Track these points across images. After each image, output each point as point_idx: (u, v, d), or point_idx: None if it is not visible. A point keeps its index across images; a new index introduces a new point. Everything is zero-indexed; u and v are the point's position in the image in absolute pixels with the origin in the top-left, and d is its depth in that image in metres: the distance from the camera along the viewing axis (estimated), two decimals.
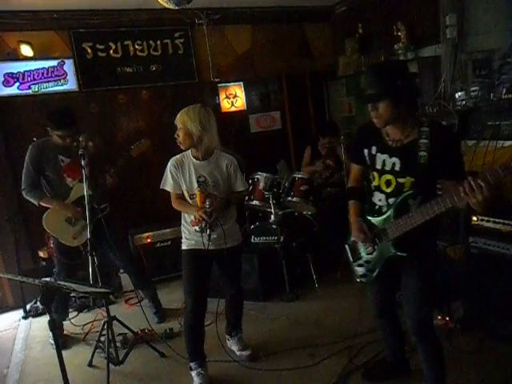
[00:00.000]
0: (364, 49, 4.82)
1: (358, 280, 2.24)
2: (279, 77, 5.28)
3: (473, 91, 3.56)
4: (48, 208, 3.12)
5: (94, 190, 3.13)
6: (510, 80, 3.26)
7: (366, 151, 2.05)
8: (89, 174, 3.13)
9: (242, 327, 2.91)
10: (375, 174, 2.01)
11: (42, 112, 4.20)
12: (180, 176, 2.51)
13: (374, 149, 2.01)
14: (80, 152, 2.79)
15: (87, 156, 3.00)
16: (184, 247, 2.59)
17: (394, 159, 1.92)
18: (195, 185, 2.48)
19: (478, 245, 2.76)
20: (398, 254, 1.97)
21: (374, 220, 2.05)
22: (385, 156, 1.96)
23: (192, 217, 2.52)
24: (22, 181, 3.12)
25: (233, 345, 2.89)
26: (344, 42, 5.06)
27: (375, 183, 2.03)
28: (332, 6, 5.28)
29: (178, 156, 2.56)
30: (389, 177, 1.95)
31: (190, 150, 2.53)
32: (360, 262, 2.18)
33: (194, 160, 2.51)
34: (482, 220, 2.76)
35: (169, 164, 2.55)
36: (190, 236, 2.56)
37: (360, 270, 2.19)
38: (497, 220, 2.70)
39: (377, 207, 2.04)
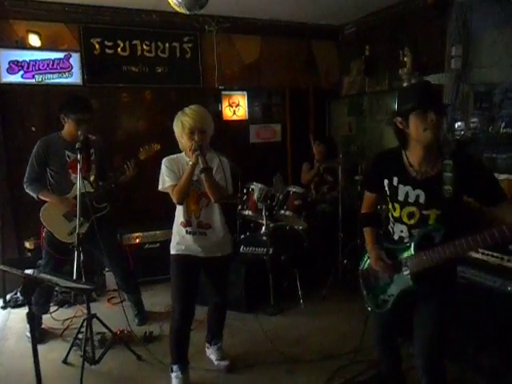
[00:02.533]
0: (369, 71, 4.88)
1: (370, 309, 2.16)
2: (283, 90, 5.31)
3: (472, 122, 3.60)
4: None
5: (96, 188, 3.13)
6: (510, 115, 3.30)
7: (386, 181, 1.97)
8: (96, 171, 3.15)
9: (222, 337, 2.88)
10: (396, 205, 1.94)
11: (43, 102, 4.22)
12: (175, 170, 2.46)
13: (395, 180, 1.93)
14: (77, 146, 2.79)
15: (98, 151, 3.01)
16: (173, 252, 2.55)
17: (419, 191, 1.86)
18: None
19: (465, 275, 2.77)
20: (417, 287, 1.89)
21: (393, 248, 1.98)
22: (408, 188, 1.88)
23: (182, 218, 2.49)
24: (25, 174, 3.12)
25: (212, 353, 2.85)
26: (350, 62, 5.12)
27: (396, 214, 1.95)
28: (341, 26, 5.35)
29: (171, 156, 2.51)
30: (412, 209, 1.88)
31: (184, 152, 2.50)
32: (375, 291, 2.11)
33: (188, 160, 2.44)
34: None
35: (163, 163, 2.50)
36: (180, 241, 2.52)
37: (373, 301, 2.12)
38: (485, 252, 2.71)
39: (397, 237, 1.98)
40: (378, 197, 2.12)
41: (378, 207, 2.30)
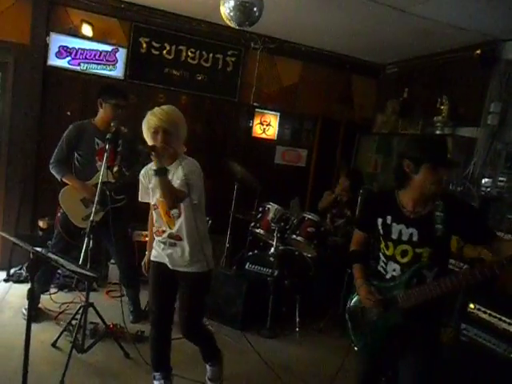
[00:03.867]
0: (404, 112, 4.87)
1: (356, 348, 2.13)
2: (316, 117, 5.35)
3: (500, 181, 3.54)
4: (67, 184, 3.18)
5: (117, 179, 3.19)
6: None
7: (379, 220, 2.01)
8: (119, 163, 3.21)
9: (215, 360, 2.64)
10: (390, 243, 1.97)
11: (82, 90, 4.36)
12: (148, 185, 2.37)
13: (389, 218, 1.98)
14: (107, 136, 2.85)
15: (126, 144, 3.08)
16: (151, 258, 2.47)
17: (412, 230, 1.91)
18: (157, 194, 2.29)
19: (469, 333, 2.69)
20: (406, 323, 1.89)
21: (382, 286, 1.99)
22: (401, 226, 1.93)
23: (155, 227, 2.40)
24: (53, 154, 3.21)
25: (207, 371, 2.70)
26: (386, 101, 5.13)
27: (389, 253, 1.98)
28: (383, 65, 5.39)
29: (148, 165, 2.37)
30: (405, 247, 1.92)
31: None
32: (362, 329, 2.08)
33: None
34: (479, 309, 2.69)
35: (140, 174, 2.42)
36: (156, 247, 2.44)
37: (360, 338, 2.09)
38: (493, 313, 2.63)
39: (389, 276, 1.99)
40: (368, 237, 2.17)
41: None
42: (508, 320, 2.56)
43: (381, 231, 2.01)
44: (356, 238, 2.23)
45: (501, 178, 3.55)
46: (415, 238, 1.90)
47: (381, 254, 2.04)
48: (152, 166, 2.23)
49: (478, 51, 3.85)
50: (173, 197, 2.15)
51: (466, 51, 4.07)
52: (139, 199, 2.46)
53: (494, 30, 3.73)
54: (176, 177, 2.23)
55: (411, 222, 1.92)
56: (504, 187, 3.49)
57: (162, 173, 2.12)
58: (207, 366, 2.71)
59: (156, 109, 2.28)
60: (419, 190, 1.89)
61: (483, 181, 3.70)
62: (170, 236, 2.34)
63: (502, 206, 3.43)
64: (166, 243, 2.36)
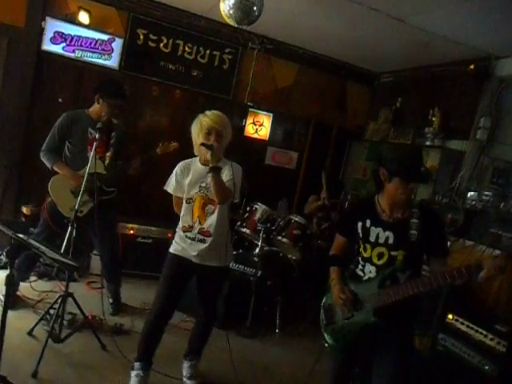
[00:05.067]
0: (396, 122, 4.92)
1: (326, 345, 2.18)
2: (309, 121, 5.37)
3: (485, 195, 3.60)
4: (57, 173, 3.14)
5: (108, 172, 3.15)
6: None
7: (359, 224, 2.10)
8: (112, 156, 3.18)
9: (200, 355, 2.75)
10: (368, 246, 2.06)
11: (76, 78, 4.31)
12: (183, 180, 2.50)
13: (368, 222, 2.07)
14: (98, 125, 2.83)
15: (118, 136, 3.04)
16: (171, 250, 2.55)
17: (388, 233, 2.00)
18: (196, 189, 2.46)
19: (446, 343, 2.72)
20: (378, 322, 1.95)
21: (357, 286, 2.06)
22: (379, 229, 2.03)
23: (185, 223, 2.50)
24: (45, 142, 3.15)
25: (184, 368, 2.73)
26: (379, 109, 5.18)
27: (366, 255, 2.06)
28: (379, 73, 5.44)
29: (187, 160, 2.56)
30: (382, 249, 2.01)
31: (198, 157, 2.52)
32: (334, 326, 2.14)
33: (200, 165, 2.49)
34: (457, 320, 2.73)
35: (177, 166, 2.55)
36: (179, 241, 2.52)
37: (332, 335, 2.14)
38: (471, 325, 2.66)
39: (366, 278, 2.06)
40: (348, 243, 2.23)
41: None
42: (485, 332, 2.60)
43: (360, 234, 2.10)
44: (337, 243, 2.29)
45: (486, 193, 3.61)
46: (391, 241, 1.99)
47: (359, 258, 2.12)
48: (190, 161, 2.51)
49: (472, 66, 3.91)
50: (225, 194, 2.33)
51: (461, 65, 4.13)
52: (169, 190, 2.55)
53: (488, 47, 3.79)
54: (224, 176, 2.39)
55: (388, 226, 2.01)
56: (489, 201, 3.54)
57: (217, 170, 2.30)
58: (186, 363, 2.72)
59: (208, 112, 2.47)
60: (391, 197, 2.00)
61: (469, 194, 3.76)
62: (200, 231, 2.46)
63: (486, 220, 3.48)
64: (194, 239, 2.47)
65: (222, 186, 2.33)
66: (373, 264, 2.03)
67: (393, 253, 1.98)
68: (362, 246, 2.09)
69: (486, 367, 2.52)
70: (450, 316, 2.79)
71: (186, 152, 2.62)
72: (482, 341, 2.60)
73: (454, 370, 2.64)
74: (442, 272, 1.80)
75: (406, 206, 2.00)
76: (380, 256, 2.01)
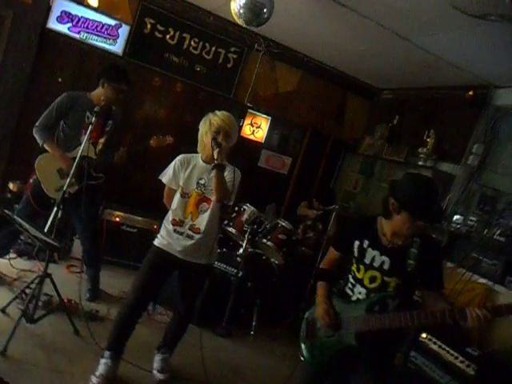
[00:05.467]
0: (391, 139, 4.98)
1: (302, 358, 2.15)
2: (306, 128, 5.39)
3: (470, 220, 3.66)
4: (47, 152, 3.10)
5: (98, 157, 3.13)
6: (507, 225, 3.36)
7: (356, 243, 2.05)
8: (105, 142, 3.16)
9: (173, 350, 2.75)
10: (361, 267, 2.02)
11: (78, 59, 4.28)
12: (181, 173, 2.50)
13: (366, 243, 2.02)
14: (96, 109, 2.81)
15: (113, 124, 3.02)
16: (155, 243, 2.54)
17: (385, 258, 1.96)
18: (194, 185, 2.47)
19: (416, 361, 2.75)
20: (358, 346, 1.93)
21: (343, 306, 2.04)
22: (376, 252, 1.98)
23: (176, 216, 2.49)
24: (39, 118, 3.10)
25: (155, 361, 2.72)
26: (376, 124, 5.23)
27: (359, 276, 2.02)
28: (380, 89, 5.49)
29: (188, 155, 2.54)
30: (375, 273, 1.97)
31: (200, 154, 2.53)
32: (313, 341, 2.11)
33: (201, 162, 2.50)
34: (430, 340, 2.76)
35: (176, 159, 2.54)
36: (165, 235, 2.51)
37: (310, 350, 2.12)
38: (443, 346, 2.70)
39: (354, 299, 2.03)
40: (340, 259, 2.18)
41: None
42: (456, 354, 2.64)
43: (355, 253, 2.05)
44: (329, 257, 2.24)
45: (472, 218, 3.66)
46: (386, 267, 1.95)
47: (350, 276, 2.07)
48: (192, 157, 2.51)
49: (471, 93, 3.97)
50: (225, 192, 2.36)
51: (459, 90, 4.19)
52: (163, 181, 2.55)
53: (489, 76, 3.86)
54: (225, 177, 2.41)
55: (386, 251, 1.97)
56: (473, 226, 3.60)
57: (221, 169, 2.33)
58: (158, 356, 2.72)
59: (218, 112, 2.49)
60: (396, 228, 1.94)
61: (455, 217, 3.81)
62: (191, 228, 2.47)
63: (469, 244, 3.54)
64: (183, 234, 2.47)
65: (224, 185, 2.36)
66: (364, 286, 2.00)
67: (386, 278, 1.95)
68: (355, 265, 2.04)
69: None
70: (424, 335, 2.82)
71: (182, 146, 2.62)
72: (452, 362, 2.63)
73: None
74: (433, 311, 1.76)
75: (409, 236, 1.95)
76: (372, 280, 1.97)
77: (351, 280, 2.06)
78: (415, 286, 2.00)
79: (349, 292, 2.06)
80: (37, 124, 3.09)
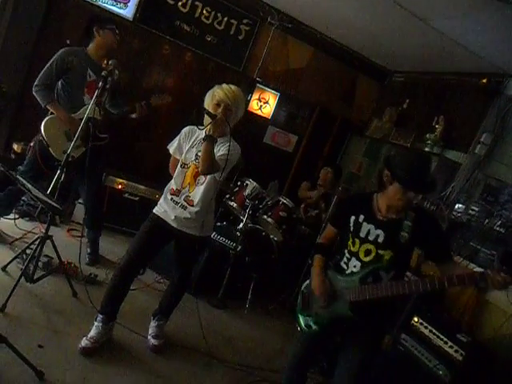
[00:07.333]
0: (400, 123, 4.91)
1: (299, 329, 2.23)
2: (314, 107, 5.33)
3: (472, 209, 3.65)
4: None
5: (103, 117, 3.10)
6: (508, 217, 3.35)
7: (352, 218, 2.10)
8: (105, 100, 3.11)
9: (168, 317, 2.81)
10: (357, 240, 2.06)
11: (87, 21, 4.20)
12: (185, 143, 2.51)
13: (361, 217, 2.08)
14: (103, 74, 2.77)
15: (110, 82, 2.97)
16: (154, 210, 2.57)
17: (379, 231, 2.01)
18: (193, 157, 2.47)
19: (406, 344, 2.80)
20: (352, 316, 1.99)
21: (338, 279, 2.09)
22: (370, 226, 2.04)
23: (174, 185, 2.51)
24: (38, 76, 3.02)
25: (151, 327, 2.78)
26: (386, 107, 5.15)
27: (354, 249, 2.07)
28: (392, 71, 5.39)
29: (194, 126, 2.52)
30: (370, 246, 2.02)
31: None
32: (309, 312, 2.18)
33: (203, 134, 2.44)
34: (422, 324, 2.80)
35: (183, 129, 2.55)
36: (163, 203, 2.54)
37: (306, 320, 2.19)
38: (434, 330, 2.74)
39: (348, 271, 2.08)
40: (338, 234, 2.24)
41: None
42: (445, 339, 2.68)
43: (351, 228, 2.10)
44: (327, 233, 2.31)
45: (473, 207, 3.65)
46: (380, 240, 2.01)
47: (346, 250, 2.11)
48: (197, 128, 2.47)
49: (485, 80, 3.89)
50: (210, 165, 2.30)
51: (473, 77, 4.11)
52: (170, 150, 2.57)
53: (504, 64, 3.76)
54: (219, 150, 2.38)
55: (380, 224, 2.02)
56: (474, 216, 3.59)
57: (211, 140, 2.28)
58: (153, 322, 2.77)
59: (224, 85, 2.45)
60: (389, 200, 2.01)
61: (457, 205, 3.80)
62: (185, 199, 2.49)
63: (468, 233, 3.54)
64: (178, 204, 2.49)
65: (210, 156, 2.29)
66: (359, 259, 2.04)
67: (380, 251, 1.99)
68: (350, 239, 2.09)
69: (441, 372, 2.60)
70: (416, 319, 2.86)
71: (189, 116, 2.58)
72: (441, 347, 2.68)
73: (409, 370, 2.72)
74: (422, 279, 1.83)
75: (403, 210, 2.01)
76: (367, 253, 2.02)
77: (347, 254, 2.11)
78: (409, 258, 2.08)
79: (343, 266, 2.11)
80: (36, 83, 3.00)
